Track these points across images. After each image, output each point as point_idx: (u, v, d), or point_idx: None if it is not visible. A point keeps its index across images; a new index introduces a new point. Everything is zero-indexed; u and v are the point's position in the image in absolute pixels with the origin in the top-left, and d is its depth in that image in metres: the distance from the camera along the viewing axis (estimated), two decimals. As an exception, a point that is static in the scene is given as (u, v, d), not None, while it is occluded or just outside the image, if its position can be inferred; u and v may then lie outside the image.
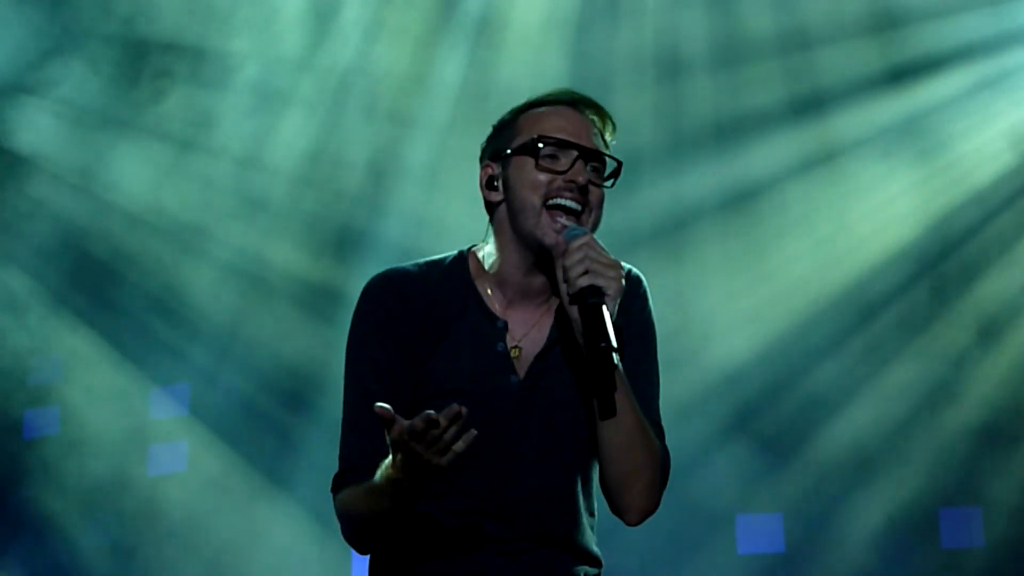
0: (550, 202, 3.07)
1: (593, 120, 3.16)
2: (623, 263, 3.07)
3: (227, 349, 8.62)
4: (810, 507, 7.71)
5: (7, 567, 8.72)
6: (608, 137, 3.19)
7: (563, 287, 2.97)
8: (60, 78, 8.60)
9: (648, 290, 3.21)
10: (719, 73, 8.18)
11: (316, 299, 8.50)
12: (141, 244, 8.71)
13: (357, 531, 3.05)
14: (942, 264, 7.86)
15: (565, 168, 3.07)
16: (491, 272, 3.16)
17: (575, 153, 3.08)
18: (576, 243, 2.96)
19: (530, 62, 8.24)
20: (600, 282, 2.89)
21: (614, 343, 2.86)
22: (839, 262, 7.94)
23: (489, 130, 3.27)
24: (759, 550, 7.81)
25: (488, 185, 3.18)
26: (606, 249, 2.98)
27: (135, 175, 8.63)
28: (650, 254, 7.98)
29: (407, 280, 3.13)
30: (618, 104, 8.14)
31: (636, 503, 3.04)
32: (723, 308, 7.98)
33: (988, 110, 7.94)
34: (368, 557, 3.19)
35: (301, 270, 8.59)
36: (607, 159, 3.13)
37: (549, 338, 3.13)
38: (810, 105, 8.08)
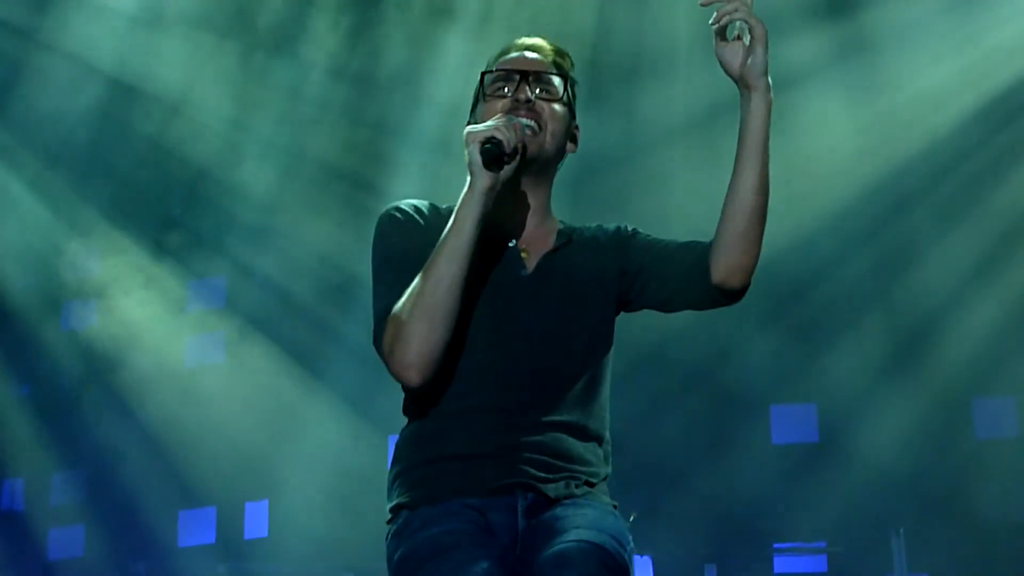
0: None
1: (544, 55, 3.36)
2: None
3: (263, 241, 8.66)
4: (844, 397, 7.73)
5: (46, 458, 8.84)
6: (566, 66, 3.38)
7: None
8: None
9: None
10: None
11: (352, 190, 8.52)
12: (177, 136, 8.72)
13: (422, 327, 3.04)
14: (981, 152, 7.79)
15: (512, 92, 3.27)
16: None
17: (517, 76, 3.28)
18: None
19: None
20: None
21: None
22: (875, 152, 7.89)
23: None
24: (793, 440, 7.86)
25: None
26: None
27: (171, 65, 8.62)
28: (685, 146, 7.95)
29: (421, 204, 3.31)
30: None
31: (748, 260, 3.38)
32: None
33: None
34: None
35: (337, 160, 8.60)
36: (554, 78, 3.32)
37: (554, 244, 3.30)
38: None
